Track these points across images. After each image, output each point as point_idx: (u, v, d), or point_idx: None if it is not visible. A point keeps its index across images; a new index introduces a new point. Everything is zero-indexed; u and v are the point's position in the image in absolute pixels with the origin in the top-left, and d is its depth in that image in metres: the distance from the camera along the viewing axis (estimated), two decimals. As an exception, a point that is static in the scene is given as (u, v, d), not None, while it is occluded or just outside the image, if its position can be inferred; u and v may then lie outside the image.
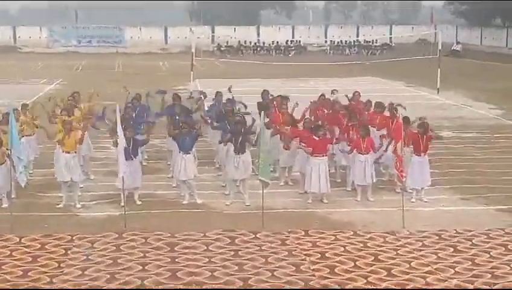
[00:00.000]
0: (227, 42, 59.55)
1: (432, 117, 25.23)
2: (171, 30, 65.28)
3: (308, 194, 14.07)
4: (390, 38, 62.96)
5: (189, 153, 13.92)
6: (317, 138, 13.89)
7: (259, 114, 14.70)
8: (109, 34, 63.56)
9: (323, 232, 12.02)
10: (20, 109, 15.48)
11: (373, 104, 16.57)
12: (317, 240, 11.65)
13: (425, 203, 14.05)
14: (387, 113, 15.88)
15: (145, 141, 14.34)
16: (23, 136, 14.42)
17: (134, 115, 15.91)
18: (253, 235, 11.84)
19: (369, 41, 61.40)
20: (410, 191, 14.26)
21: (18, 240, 11.59)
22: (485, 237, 11.88)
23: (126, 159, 12.81)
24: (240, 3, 72.44)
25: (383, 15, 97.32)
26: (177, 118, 15.41)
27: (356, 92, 17.70)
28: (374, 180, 14.39)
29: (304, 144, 14.27)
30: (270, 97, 17.36)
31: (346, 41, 61.86)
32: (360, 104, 17.07)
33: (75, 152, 13.59)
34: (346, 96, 17.81)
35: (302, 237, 11.84)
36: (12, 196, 13.55)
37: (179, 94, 17.21)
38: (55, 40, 63.32)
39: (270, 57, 56.67)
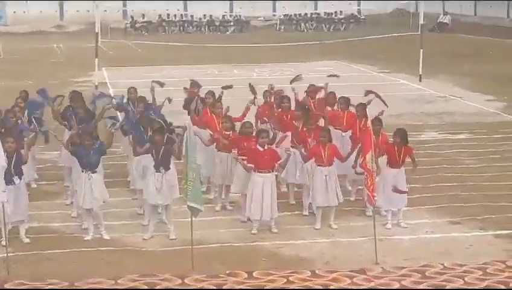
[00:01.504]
0: (143, 16, 59.42)
1: (413, 113, 25.86)
2: (69, 1, 64.75)
3: (252, 222, 14.16)
4: (359, 9, 63.77)
5: (95, 172, 13.85)
6: (261, 148, 13.98)
7: (187, 114, 14.82)
8: (-16, 8, 62.78)
9: (272, 274, 12.08)
10: None
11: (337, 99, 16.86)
12: (265, 284, 11.70)
13: (404, 230, 14.29)
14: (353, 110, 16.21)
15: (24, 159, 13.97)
16: None
17: (20, 121, 15.76)
18: (181, 281, 11.82)
19: (331, 14, 62.12)
20: (385, 214, 14.51)
21: None
22: (481, 273, 12.10)
23: (6, 183, 12.65)
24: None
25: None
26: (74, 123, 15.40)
27: (311, 85, 17.90)
28: (340, 201, 14.56)
29: (243, 157, 14.37)
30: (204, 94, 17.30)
31: (301, 13, 62.38)
32: (320, 100, 17.30)
33: None
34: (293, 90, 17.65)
35: (245, 280, 11.87)
36: None
37: (78, 91, 17.14)
38: None
39: (202, 36, 56.93)
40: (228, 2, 66.10)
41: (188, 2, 65.10)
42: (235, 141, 14.92)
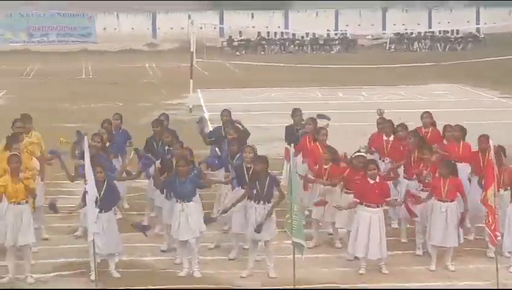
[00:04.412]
0: (240, 34, 59.93)
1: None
2: (162, 18, 65.83)
3: (360, 260, 14.12)
4: (478, 27, 62.95)
5: (191, 201, 14.05)
6: (371, 181, 13.98)
7: (288, 143, 14.93)
8: (74, 25, 64.21)
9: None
10: None
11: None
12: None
13: (532, 274, 14.02)
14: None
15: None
16: None
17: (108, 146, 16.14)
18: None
19: (447, 32, 61.50)
20: (509, 255, 14.25)
21: None
22: None
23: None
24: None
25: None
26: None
27: (425, 112, 17.78)
28: (461, 241, 14.37)
29: (348, 190, 14.44)
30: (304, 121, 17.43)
31: (413, 31, 61.95)
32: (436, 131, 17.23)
33: (26, 202, 13.74)
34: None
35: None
36: None
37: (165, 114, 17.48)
38: (-4, 34, 64.12)
39: (304, 55, 57.02)
40: (333, 17, 66.22)
41: (289, 18, 65.43)
42: (341, 172, 14.91)
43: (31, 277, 13.70)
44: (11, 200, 13.55)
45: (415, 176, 15.09)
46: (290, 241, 13.12)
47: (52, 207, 13.84)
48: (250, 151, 14.57)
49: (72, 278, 13.92)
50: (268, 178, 13.84)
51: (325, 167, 15.24)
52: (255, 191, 13.86)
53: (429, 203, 14.40)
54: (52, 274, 14.08)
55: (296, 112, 17.90)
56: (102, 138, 15.78)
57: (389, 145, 16.71)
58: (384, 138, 16.96)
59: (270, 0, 66.44)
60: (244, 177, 14.36)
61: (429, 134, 17.12)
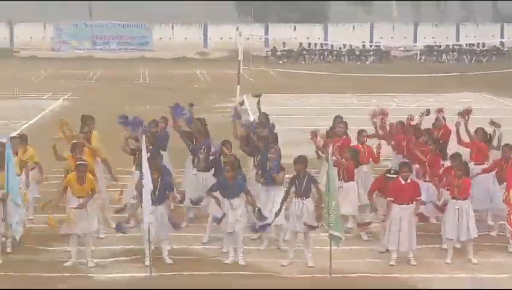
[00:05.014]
0: (284, 44, 60.02)
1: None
2: (212, 29, 66.14)
3: (391, 253, 14.05)
4: (502, 41, 62.48)
5: (238, 196, 14.11)
6: (403, 181, 13.91)
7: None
8: (133, 34, 64.76)
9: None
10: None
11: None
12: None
13: (551, 269, 13.88)
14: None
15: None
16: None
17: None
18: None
19: (473, 45, 61.14)
20: (528, 250, 14.16)
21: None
22: None
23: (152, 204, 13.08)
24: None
25: (492, 10, 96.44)
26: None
27: (439, 114, 17.79)
28: (472, 236, 14.19)
29: (381, 193, 14.43)
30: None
31: (442, 44, 61.67)
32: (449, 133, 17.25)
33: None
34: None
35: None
36: (8, 251, 14.12)
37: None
38: (63, 42, 64.73)
39: (342, 65, 56.91)
40: (368, 30, 66.14)
41: (328, 31, 65.46)
42: (379, 181, 14.83)
43: (92, 261, 13.84)
44: (76, 195, 13.73)
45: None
46: (327, 234, 13.16)
47: (120, 228, 13.92)
48: (274, 152, 14.81)
49: (128, 263, 14.03)
50: (306, 176, 13.90)
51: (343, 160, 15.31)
52: (293, 188, 13.95)
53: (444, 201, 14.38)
54: (110, 259, 14.22)
55: (336, 119, 17.81)
56: (149, 138, 15.95)
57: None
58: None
59: (311, 15, 66.46)
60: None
61: (441, 133, 17.19)
